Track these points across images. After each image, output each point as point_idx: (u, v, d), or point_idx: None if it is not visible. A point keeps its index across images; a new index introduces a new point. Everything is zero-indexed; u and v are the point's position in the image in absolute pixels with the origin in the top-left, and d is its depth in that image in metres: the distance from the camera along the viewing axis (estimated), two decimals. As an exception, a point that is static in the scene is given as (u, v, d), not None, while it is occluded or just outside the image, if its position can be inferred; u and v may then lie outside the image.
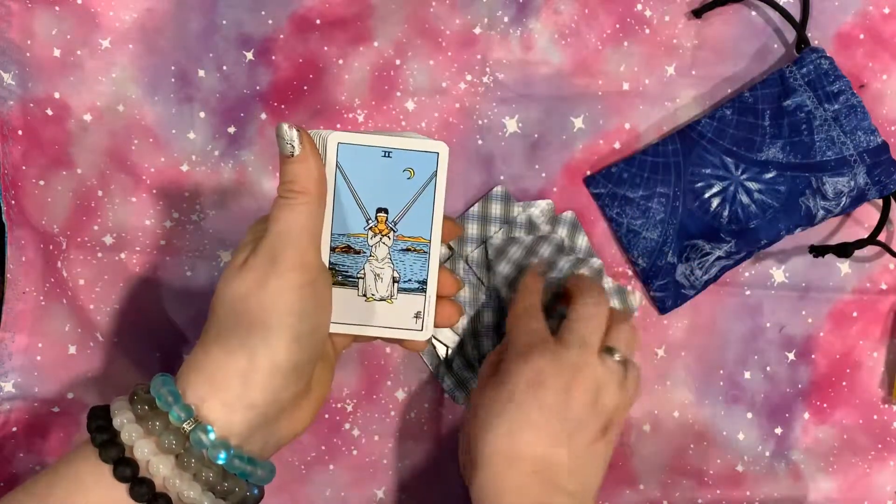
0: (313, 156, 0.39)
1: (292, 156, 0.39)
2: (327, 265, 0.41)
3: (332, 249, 0.40)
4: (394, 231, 0.40)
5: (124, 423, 0.38)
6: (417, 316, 0.41)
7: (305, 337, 0.39)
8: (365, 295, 0.41)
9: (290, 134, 0.39)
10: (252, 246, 0.40)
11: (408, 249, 0.41)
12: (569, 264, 0.54)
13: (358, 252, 0.40)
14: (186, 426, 0.38)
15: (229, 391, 0.38)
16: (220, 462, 0.38)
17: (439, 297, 0.43)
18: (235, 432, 0.38)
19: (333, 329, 0.42)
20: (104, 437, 0.38)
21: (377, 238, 0.40)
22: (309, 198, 0.39)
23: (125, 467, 0.37)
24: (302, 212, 0.39)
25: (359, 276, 0.41)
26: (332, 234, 0.40)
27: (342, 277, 0.41)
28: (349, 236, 0.40)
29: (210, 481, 0.38)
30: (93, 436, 0.39)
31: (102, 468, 0.38)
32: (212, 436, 0.38)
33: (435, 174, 0.39)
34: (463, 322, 0.55)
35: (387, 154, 0.39)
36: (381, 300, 0.41)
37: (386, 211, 0.40)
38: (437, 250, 0.40)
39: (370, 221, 0.40)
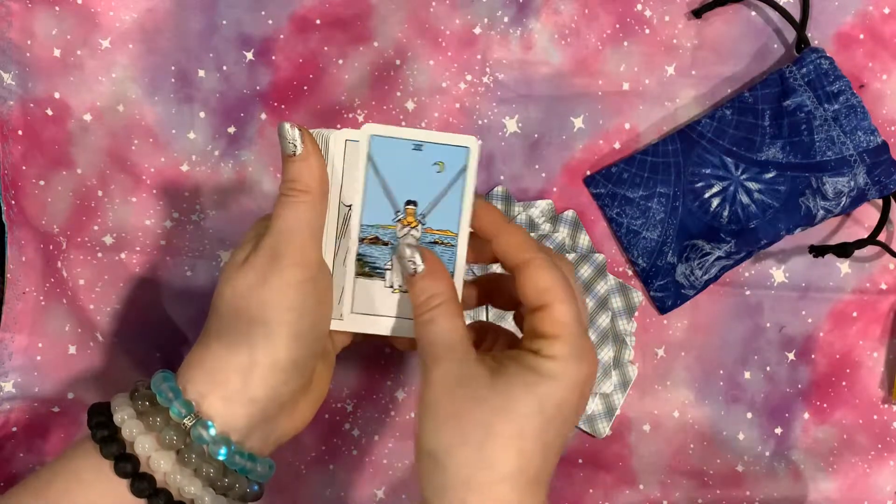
0: (315, 155, 0.39)
1: (294, 155, 0.39)
2: (354, 257, 0.41)
3: (361, 240, 0.40)
4: (422, 224, 0.40)
5: (125, 419, 0.38)
6: None
7: (306, 333, 0.39)
8: (392, 286, 0.41)
9: (292, 133, 0.39)
10: (254, 243, 0.40)
11: (435, 242, 0.41)
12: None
13: (386, 243, 0.40)
14: (187, 422, 0.38)
15: (229, 387, 0.38)
16: (221, 458, 0.38)
17: None
18: (236, 428, 0.39)
19: (352, 321, 0.41)
20: (105, 433, 0.38)
21: (406, 230, 0.40)
22: (310, 196, 0.39)
23: (126, 463, 0.37)
24: (303, 209, 0.39)
25: (386, 267, 0.41)
26: (361, 225, 0.40)
27: (369, 268, 0.41)
28: (378, 227, 0.40)
29: (211, 477, 0.38)
30: (93, 432, 0.39)
31: (102, 464, 0.38)
32: (212, 431, 0.38)
33: (465, 168, 0.39)
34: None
35: (418, 147, 0.39)
36: (405, 292, 0.41)
37: (415, 203, 0.40)
38: (464, 244, 0.40)
39: (399, 213, 0.40)
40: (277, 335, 0.38)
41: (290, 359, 0.39)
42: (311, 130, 0.40)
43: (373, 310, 0.42)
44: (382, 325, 0.42)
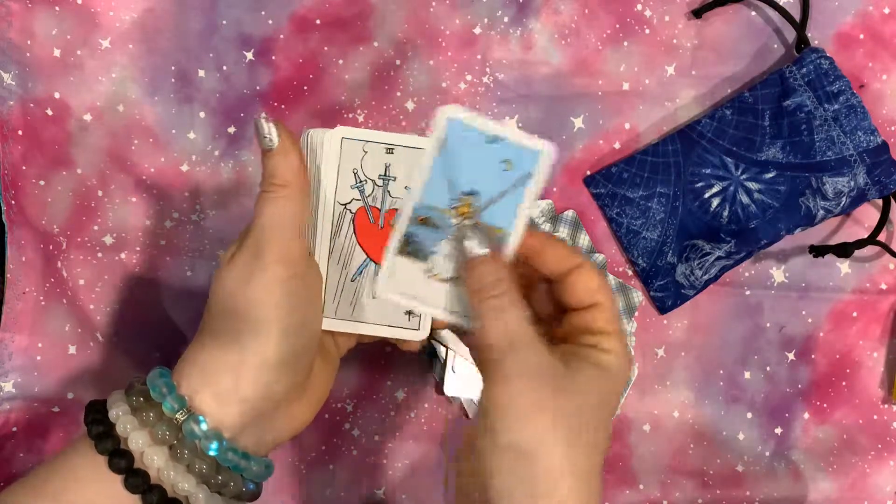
0: (292, 149, 0.39)
1: (271, 150, 0.39)
2: (402, 234, 0.39)
3: (414, 219, 0.39)
4: (477, 217, 0.39)
5: (119, 415, 0.38)
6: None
7: (294, 330, 0.39)
8: (430, 271, 0.40)
9: (268, 127, 0.38)
10: (240, 242, 0.40)
11: None
12: None
13: (437, 227, 0.39)
14: (179, 416, 0.38)
15: (221, 384, 0.38)
16: (212, 453, 0.38)
17: None
18: (228, 425, 0.39)
19: (386, 296, 0.40)
20: (100, 429, 0.38)
21: (459, 220, 0.39)
22: (289, 190, 0.39)
23: (120, 459, 0.37)
24: (282, 205, 0.39)
25: (431, 250, 0.39)
26: (415, 204, 0.38)
27: (412, 248, 0.39)
28: (432, 209, 0.39)
29: (204, 473, 0.38)
30: (88, 428, 0.39)
31: (98, 461, 0.38)
32: (203, 426, 0.38)
33: (533, 171, 0.38)
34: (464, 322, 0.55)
35: (492, 141, 0.38)
36: (442, 280, 0.40)
37: (475, 195, 0.39)
38: (515, 244, 0.39)
39: (456, 201, 0.39)
40: (265, 333, 0.38)
41: (280, 356, 0.39)
42: (310, 130, 0.41)
43: (403, 289, 0.40)
44: (420, 306, 0.40)
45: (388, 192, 0.42)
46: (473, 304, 0.37)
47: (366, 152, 0.41)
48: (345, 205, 0.41)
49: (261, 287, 0.38)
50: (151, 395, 0.39)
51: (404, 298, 0.39)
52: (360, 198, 0.42)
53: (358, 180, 0.41)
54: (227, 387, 0.38)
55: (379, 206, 0.42)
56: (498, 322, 0.36)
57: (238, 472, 0.39)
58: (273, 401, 0.39)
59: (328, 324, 0.42)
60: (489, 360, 0.36)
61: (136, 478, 0.37)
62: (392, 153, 0.41)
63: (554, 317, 0.40)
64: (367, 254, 0.42)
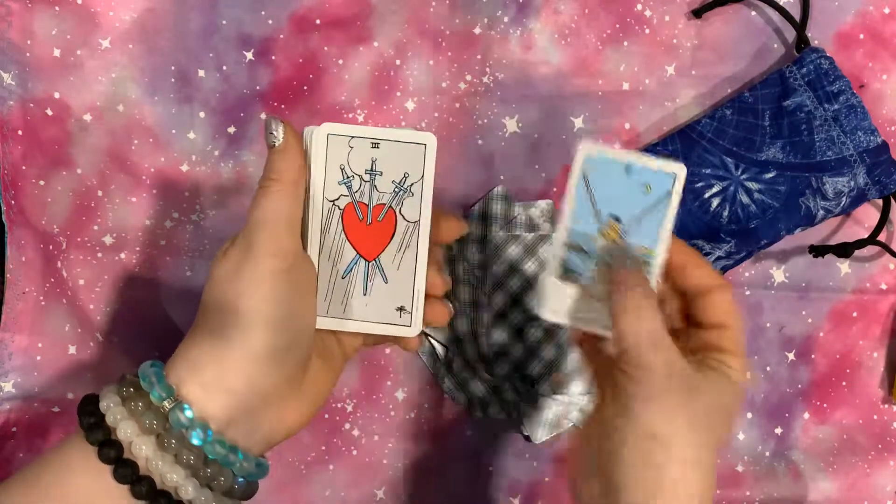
0: (294, 147, 0.40)
1: (274, 146, 0.40)
2: (560, 261, 0.42)
3: (568, 247, 0.42)
4: (623, 238, 0.42)
5: (110, 405, 0.39)
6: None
7: (281, 323, 0.39)
8: (586, 290, 0.43)
9: (275, 125, 0.40)
10: (235, 237, 0.40)
11: None
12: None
13: (586, 252, 0.42)
14: (167, 404, 0.38)
15: (206, 374, 0.39)
16: (196, 442, 0.38)
17: (428, 296, 0.43)
18: (214, 416, 0.39)
19: (551, 319, 0.43)
20: (91, 420, 0.38)
21: (607, 242, 0.42)
22: (284, 185, 0.40)
23: (110, 449, 0.38)
24: (276, 198, 0.39)
25: (584, 273, 0.42)
26: (566, 231, 0.42)
27: (566, 272, 0.42)
28: (582, 234, 0.42)
29: (191, 465, 0.38)
30: (80, 420, 0.39)
31: (89, 452, 0.38)
32: (188, 413, 0.38)
33: (670, 192, 0.41)
34: (463, 323, 0.55)
35: (628, 169, 0.41)
36: (597, 299, 0.43)
37: (619, 219, 0.42)
38: (661, 261, 0.42)
39: (603, 226, 0.42)
40: (252, 325, 0.38)
41: (267, 349, 0.39)
42: (309, 128, 0.41)
43: (571, 311, 0.42)
44: (581, 325, 0.42)
45: (375, 186, 0.42)
46: (618, 305, 0.40)
47: (352, 147, 0.41)
48: (333, 201, 0.42)
49: (250, 279, 0.39)
50: (141, 385, 0.39)
51: (567, 319, 0.42)
52: (347, 194, 0.42)
53: (345, 176, 0.42)
54: (213, 377, 0.38)
55: (366, 202, 0.42)
56: (643, 321, 0.39)
57: (227, 467, 0.39)
58: (260, 395, 0.39)
59: (320, 322, 0.42)
60: (632, 356, 0.39)
61: (125, 468, 0.37)
62: (377, 147, 0.41)
63: (682, 331, 0.43)
64: (356, 250, 0.42)
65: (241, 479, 0.40)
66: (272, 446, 0.42)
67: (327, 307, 0.42)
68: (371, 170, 0.42)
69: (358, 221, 0.42)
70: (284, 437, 0.42)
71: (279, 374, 0.40)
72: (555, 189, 0.56)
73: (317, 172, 0.41)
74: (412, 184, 0.42)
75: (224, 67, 0.54)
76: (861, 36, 0.56)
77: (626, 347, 0.39)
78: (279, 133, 0.40)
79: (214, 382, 0.38)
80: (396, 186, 0.42)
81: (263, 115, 0.41)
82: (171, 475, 0.38)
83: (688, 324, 0.43)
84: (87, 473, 0.38)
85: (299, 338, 0.40)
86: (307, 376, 0.42)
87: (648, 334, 0.39)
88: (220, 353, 0.39)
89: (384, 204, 0.42)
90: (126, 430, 0.38)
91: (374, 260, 0.42)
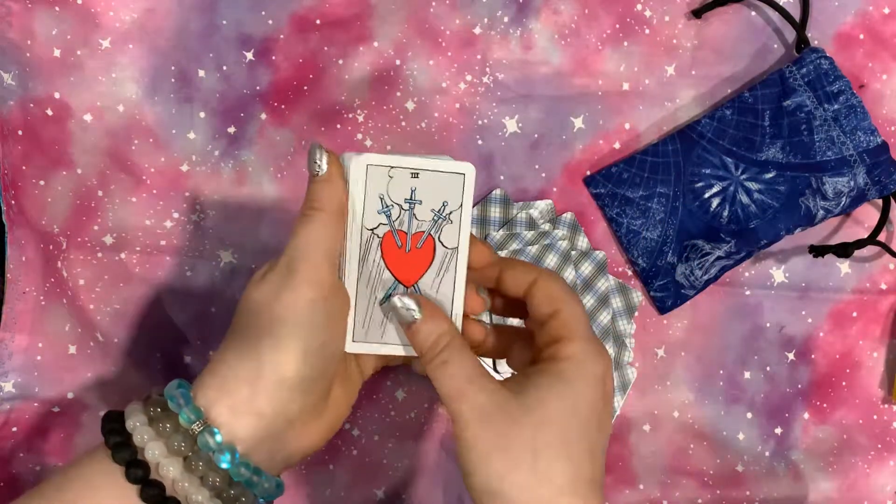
0: (337, 177, 0.40)
1: (317, 175, 0.40)
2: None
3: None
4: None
5: (137, 425, 0.39)
6: None
7: (314, 352, 0.39)
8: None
9: (320, 154, 0.40)
10: (273, 261, 0.41)
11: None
12: (575, 270, 0.54)
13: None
14: (195, 427, 0.38)
15: (237, 396, 0.39)
16: (225, 466, 0.38)
17: (465, 316, 0.43)
18: (241, 438, 0.39)
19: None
20: (117, 438, 0.38)
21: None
22: (326, 215, 0.40)
23: (137, 469, 0.38)
24: (317, 227, 0.40)
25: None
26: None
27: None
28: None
29: (217, 486, 0.38)
30: (106, 438, 0.39)
31: (114, 470, 0.38)
32: (218, 438, 0.38)
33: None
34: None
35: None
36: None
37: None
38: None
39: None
40: (285, 350, 0.38)
41: (297, 376, 0.39)
42: (344, 155, 0.41)
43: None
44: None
45: (415, 215, 0.42)
46: (424, 365, 0.40)
47: (391, 177, 0.42)
48: (372, 230, 0.42)
49: (287, 305, 0.39)
50: (169, 406, 0.39)
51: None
52: (386, 222, 0.42)
53: (384, 205, 0.42)
54: (243, 399, 0.39)
55: (406, 230, 0.42)
56: (445, 376, 0.39)
57: (250, 488, 0.39)
58: (287, 420, 0.40)
59: (358, 347, 0.43)
60: (448, 409, 0.39)
61: (152, 489, 0.37)
62: (417, 177, 0.42)
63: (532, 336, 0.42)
64: (395, 277, 0.42)
65: (261, 500, 0.40)
66: (290, 467, 0.42)
67: (365, 333, 0.43)
68: (411, 199, 0.42)
69: (397, 249, 0.42)
70: (302, 458, 0.42)
71: (306, 400, 0.40)
72: (555, 189, 0.56)
73: (356, 202, 0.41)
74: (451, 212, 0.42)
75: (224, 67, 0.54)
76: (861, 36, 0.56)
77: (442, 399, 0.39)
78: (323, 162, 0.40)
79: (244, 405, 0.39)
80: (436, 215, 0.42)
81: (318, 146, 0.40)
82: (196, 496, 0.38)
83: (534, 325, 0.42)
84: (112, 491, 0.38)
85: (328, 366, 0.41)
86: (328, 400, 0.42)
87: (454, 386, 0.38)
88: (251, 377, 0.39)
89: (423, 231, 0.42)
90: (154, 450, 0.38)
91: (413, 286, 0.43)
